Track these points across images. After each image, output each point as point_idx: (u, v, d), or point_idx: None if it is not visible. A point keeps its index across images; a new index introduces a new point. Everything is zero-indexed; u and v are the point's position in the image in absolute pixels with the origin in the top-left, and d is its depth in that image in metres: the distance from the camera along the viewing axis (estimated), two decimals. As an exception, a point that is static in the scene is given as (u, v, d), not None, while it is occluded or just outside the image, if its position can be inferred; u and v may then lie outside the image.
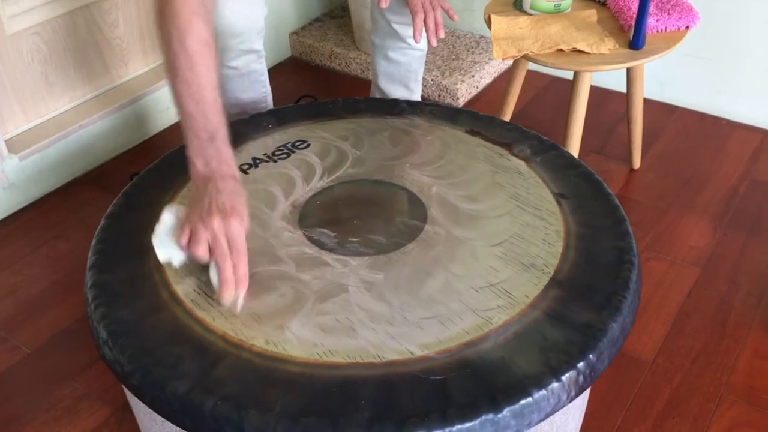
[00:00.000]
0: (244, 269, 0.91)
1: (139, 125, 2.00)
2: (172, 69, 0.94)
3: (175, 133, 2.04)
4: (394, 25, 1.55)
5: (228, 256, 0.90)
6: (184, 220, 0.93)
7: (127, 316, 0.92)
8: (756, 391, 1.28)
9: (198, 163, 0.94)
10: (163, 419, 0.89)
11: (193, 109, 0.94)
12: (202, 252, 0.90)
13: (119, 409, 1.29)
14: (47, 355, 1.40)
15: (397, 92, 1.65)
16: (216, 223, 0.89)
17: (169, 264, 0.96)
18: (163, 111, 2.04)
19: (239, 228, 0.91)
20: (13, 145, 1.77)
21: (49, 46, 1.79)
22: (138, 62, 2.01)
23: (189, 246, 0.91)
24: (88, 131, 1.87)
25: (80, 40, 1.85)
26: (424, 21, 1.40)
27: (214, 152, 0.94)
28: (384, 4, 1.40)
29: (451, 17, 1.45)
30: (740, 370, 1.32)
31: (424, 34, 1.43)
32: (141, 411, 0.97)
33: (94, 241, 1.04)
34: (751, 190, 1.74)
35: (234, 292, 0.90)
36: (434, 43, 1.42)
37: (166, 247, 0.95)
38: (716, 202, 1.71)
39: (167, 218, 0.96)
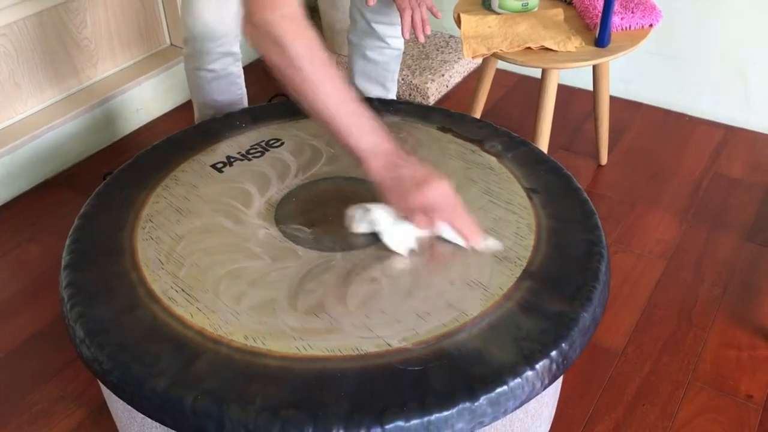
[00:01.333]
0: (470, 217, 1.00)
1: (110, 126, 1.99)
2: (309, 85, 0.96)
3: (146, 133, 2.03)
4: (375, 25, 1.57)
5: (458, 214, 0.98)
6: (402, 210, 0.98)
7: (104, 314, 0.92)
8: (722, 377, 1.32)
9: (370, 156, 0.97)
10: (142, 417, 0.90)
11: (348, 116, 0.97)
12: (435, 224, 0.98)
13: (95, 411, 1.28)
14: (20, 358, 1.39)
15: (373, 91, 1.67)
16: (431, 193, 0.96)
17: (410, 251, 1.00)
18: (133, 112, 2.03)
19: (446, 185, 0.97)
20: (-20, 148, 1.75)
21: (17, 47, 1.78)
22: (107, 63, 2.00)
23: (425, 221, 0.97)
24: (57, 133, 1.86)
25: (48, 42, 1.84)
26: (411, 18, 1.42)
27: (382, 142, 0.98)
28: (372, 2, 1.42)
29: (435, 15, 1.48)
30: (707, 358, 1.36)
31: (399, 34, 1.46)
32: (119, 410, 0.97)
33: (68, 241, 1.04)
34: (714, 184, 1.79)
35: (481, 235, 0.99)
36: (421, 39, 1.45)
37: (401, 239, 1.00)
38: (681, 196, 1.76)
39: (383, 220, 1.00)
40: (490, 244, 1.01)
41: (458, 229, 0.99)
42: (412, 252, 1.00)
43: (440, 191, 0.96)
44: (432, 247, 1.01)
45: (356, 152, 0.98)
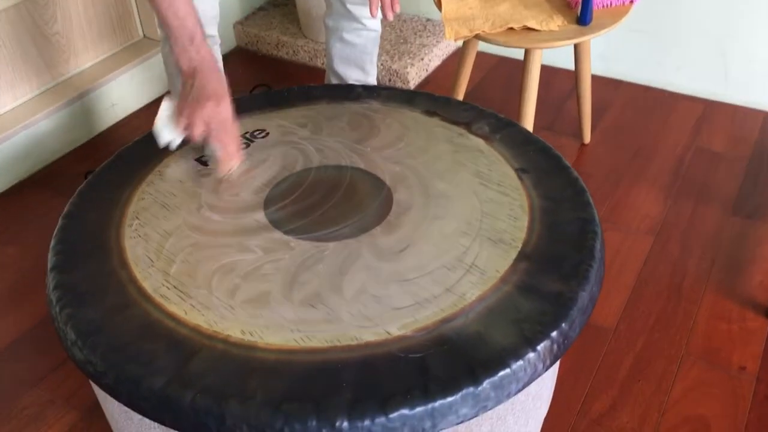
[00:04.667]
0: (236, 145, 1.11)
1: (85, 123, 1.95)
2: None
3: (123, 129, 1.99)
4: (350, 6, 1.55)
5: (223, 136, 1.09)
6: (178, 108, 1.09)
7: (95, 315, 0.89)
8: (715, 350, 1.33)
9: (183, 63, 1.11)
10: (140, 417, 0.88)
11: (173, 21, 1.11)
12: (198, 134, 1.08)
13: (87, 413, 1.26)
14: (6, 362, 1.36)
15: (353, 75, 1.65)
16: (208, 109, 1.07)
17: (168, 146, 1.12)
18: (108, 107, 1.99)
19: (228, 110, 1.09)
20: (-48, 150, 1.71)
21: (-15, 44, 1.73)
22: (79, 58, 1.96)
23: (187, 130, 1.08)
24: (31, 131, 1.82)
25: (17, 38, 1.79)
26: None
27: (194, 52, 1.11)
28: None
29: None
30: (698, 331, 1.37)
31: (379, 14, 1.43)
32: (116, 411, 0.95)
33: (53, 242, 1.01)
34: (697, 158, 1.80)
35: (230, 164, 1.11)
36: (390, 17, 1.42)
37: (167, 132, 1.11)
38: (665, 171, 1.77)
39: (165, 107, 1.11)
40: (233, 172, 1.10)
41: (220, 145, 1.09)
42: (166, 146, 1.12)
43: (215, 110, 1.07)
44: (426, 233, 1.00)
45: (175, 57, 1.12)
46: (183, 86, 1.10)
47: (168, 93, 1.16)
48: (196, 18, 1.13)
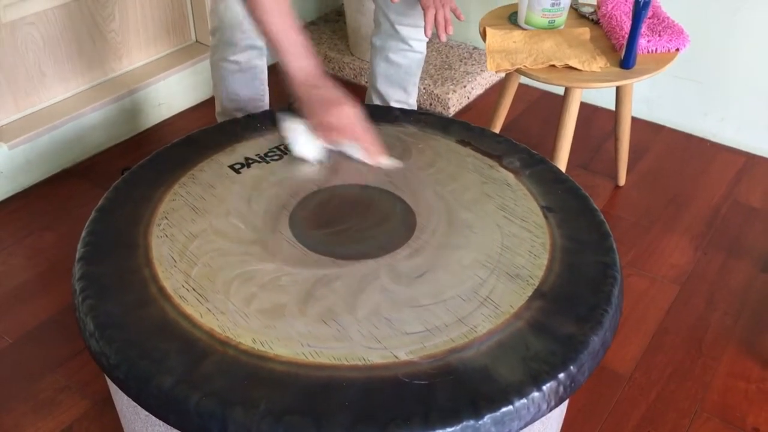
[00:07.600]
0: (375, 140, 1.14)
1: (131, 120, 2.00)
2: (253, 8, 1.14)
3: (166, 129, 2.04)
4: (399, 27, 1.58)
5: (362, 134, 1.12)
6: (312, 120, 1.12)
7: (115, 309, 0.92)
8: (730, 409, 1.31)
9: (297, 75, 1.13)
10: (147, 413, 0.90)
11: (278, 36, 1.13)
12: (343, 139, 1.12)
13: (99, 402, 1.28)
14: (28, 345, 1.40)
15: (394, 95, 1.67)
16: (337, 114, 1.10)
17: (307, 160, 1.15)
18: (155, 107, 2.04)
19: (355, 110, 1.11)
20: (2, 134, 1.77)
21: (44, 36, 1.79)
22: (132, 56, 2.02)
23: (330, 139, 1.12)
24: (78, 123, 1.87)
25: (75, 32, 1.85)
26: (435, 17, 1.43)
27: (306, 63, 1.13)
28: None
29: (458, 17, 1.49)
30: (715, 387, 1.35)
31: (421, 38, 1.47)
32: (124, 405, 0.98)
33: (83, 233, 1.05)
34: (733, 212, 1.78)
35: (378, 158, 1.14)
36: (443, 38, 1.45)
37: (309, 150, 1.15)
38: (698, 221, 1.74)
39: (292, 126, 1.15)
40: (390, 162, 1.15)
41: (363, 146, 1.11)
42: (319, 162, 1.15)
43: (346, 114, 1.09)
44: (445, 261, 1.01)
45: (288, 71, 1.13)
46: (304, 103, 1.13)
47: (288, 118, 1.18)
48: (300, 29, 1.15)
